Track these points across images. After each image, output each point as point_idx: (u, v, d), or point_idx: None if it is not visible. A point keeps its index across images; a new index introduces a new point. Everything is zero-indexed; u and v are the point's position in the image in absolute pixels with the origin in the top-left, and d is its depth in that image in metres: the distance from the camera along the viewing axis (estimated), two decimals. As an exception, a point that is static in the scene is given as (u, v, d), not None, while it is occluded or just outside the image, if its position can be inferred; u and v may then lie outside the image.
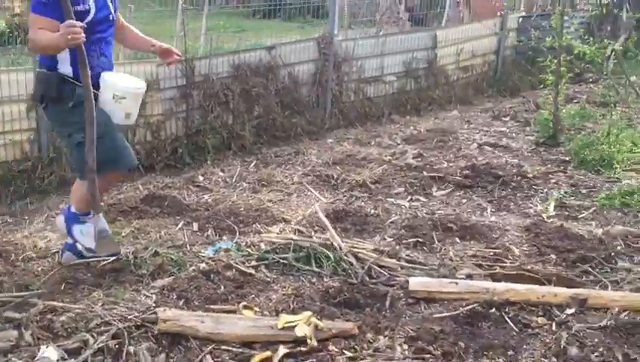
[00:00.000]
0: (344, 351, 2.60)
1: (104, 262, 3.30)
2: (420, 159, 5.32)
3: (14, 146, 4.60)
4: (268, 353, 2.56)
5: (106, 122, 3.04)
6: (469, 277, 3.28)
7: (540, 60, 5.97)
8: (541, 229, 3.85)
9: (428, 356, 2.58)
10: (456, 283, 3.10)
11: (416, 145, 5.77)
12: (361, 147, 5.74)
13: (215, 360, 2.55)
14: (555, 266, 3.43)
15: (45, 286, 3.09)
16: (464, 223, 3.96)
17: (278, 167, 5.14)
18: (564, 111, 6.04)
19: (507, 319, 2.85)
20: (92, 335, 2.61)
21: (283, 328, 2.66)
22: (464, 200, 4.46)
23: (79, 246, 3.28)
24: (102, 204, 3.45)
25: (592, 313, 2.89)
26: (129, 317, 2.75)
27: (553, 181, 4.80)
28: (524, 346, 2.68)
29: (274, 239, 3.64)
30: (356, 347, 2.63)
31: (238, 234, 3.79)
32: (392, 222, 4.00)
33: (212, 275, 3.24)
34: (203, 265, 3.39)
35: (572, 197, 4.47)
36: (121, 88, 3.03)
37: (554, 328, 2.79)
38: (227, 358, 2.56)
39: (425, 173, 4.87)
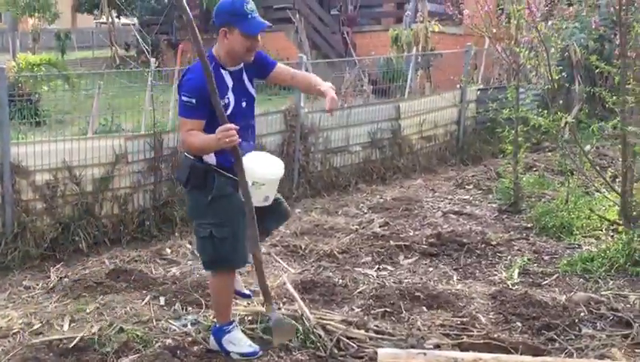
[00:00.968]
0: None
1: (66, 341, 3.22)
2: (386, 228, 5.40)
3: (-23, 221, 4.54)
4: None
5: (234, 217, 3.06)
6: (437, 347, 3.30)
7: (498, 131, 6.21)
8: (506, 297, 3.91)
9: None
10: (425, 354, 3.10)
11: (382, 213, 5.86)
12: (329, 216, 5.80)
13: None
14: (521, 334, 3.48)
15: (5, 368, 3.00)
16: (431, 292, 4.00)
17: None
18: (524, 179, 6.23)
19: (476, 389, 2.86)
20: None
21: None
22: (431, 269, 4.52)
23: (235, 356, 3.22)
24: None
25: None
26: (92, 398, 2.68)
27: (516, 248, 4.90)
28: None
29: (242, 311, 3.61)
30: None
31: (205, 307, 3.76)
32: (360, 292, 4.02)
33: (178, 351, 3.19)
34: (169, 340, 3.34)
35: (535, 264, 4.57)
36: (260, 176, 3.06)
37: (522, 397, 2.81)
38: None
39: (391, 242, 4.93)
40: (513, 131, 5.81)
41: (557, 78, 5.03)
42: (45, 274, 4.48)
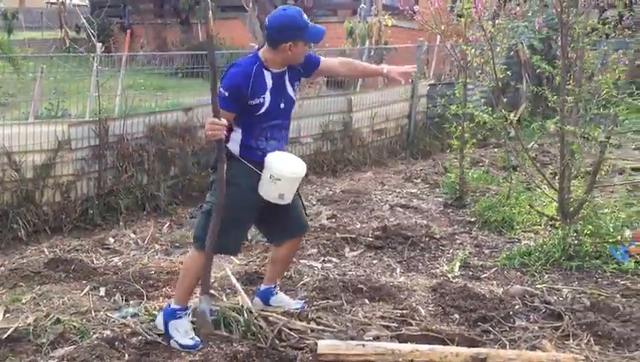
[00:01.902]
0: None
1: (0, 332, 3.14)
2: (333, 220, 5.44)
3: None
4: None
5: (239, 205, 3.16)
6: (377, 338, 3.36)
7: (446, 126, 6.33)
8: (446, 289, 4.00)
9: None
10: (363, 345, 3.15)
11: (331, 206, 5.90)
12: (277, 208, 5.80)
13: None
14: (458, 326, 3.57)
15: None
16: (374, 284, 4.06)
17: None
18: (469, 174, 6.37)
19: (411, 380, 2.93)
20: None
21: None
22: (375, 261, 4.58)
23: (173, 344, 3.22)
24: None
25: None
26: (23, 390, 2.62)
27: (459, 241, 5.02)
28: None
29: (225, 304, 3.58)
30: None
31: (146, 298, 3.72)
32: (303, 284, 4.05)
33: (116, 343, 3.15)
34: (107, 332, 3.29)
35: (476, 258, 4.69)
36: (277, 170, 3.13)
37: (455, 388, 2.89)
38: None
39: (338, 235, 4.97)
40: (460, 127, 5.93)
41: (502, 76, 5.15)
42: (-20, 262, 4.35)
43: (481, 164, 7.49)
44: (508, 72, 5.58)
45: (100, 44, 6.17)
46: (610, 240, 4.64)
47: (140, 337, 3.25)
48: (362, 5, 10.89)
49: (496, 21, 5.65)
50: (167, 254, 4.55)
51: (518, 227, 5.27)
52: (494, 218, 5.36)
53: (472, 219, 5.56)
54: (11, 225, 4.72)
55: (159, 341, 3.23)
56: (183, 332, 3.23)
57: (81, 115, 6.05)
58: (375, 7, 10.28)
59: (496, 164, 7.25)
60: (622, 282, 4.15)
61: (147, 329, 3.31)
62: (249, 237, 4.85)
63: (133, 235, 4.91)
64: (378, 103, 8.04)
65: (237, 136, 3.19)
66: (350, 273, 4.32)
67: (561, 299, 3.90)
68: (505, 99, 5.77)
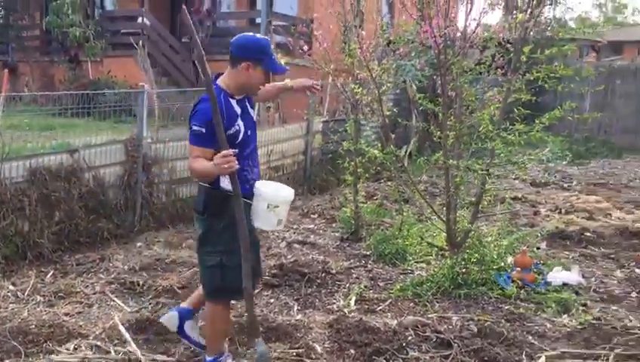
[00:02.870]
0: None
1: None
2: (230, 260, 5.35)
3: None
4: None
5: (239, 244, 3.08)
6: (274, 380, 3.31)
7: (339, 162, 6.46)
8: (342, 325, 4.02)
9: None
10: (258, 389, 3.09)
11: (227, 245, 5.80)
12: (172, 250, 5.63)
13: None
14: (354, 361, 3.59)
15: None
16: (270, 324, 4.01)
17: (79, 276, 4.84)
18: (364, 208, 6.52)
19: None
20: None
21: None
22: (272, 300, 4.54)
23: None
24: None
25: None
26: None
27: (355, 275, 5.09)
28: None
29: (65, 359, 3.37)
30: None
31: (24, 356, 3.45)
32: (200, 329, 3.92)
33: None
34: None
35: (371, 291, 4.76)
36: (273, 198, 3.16)
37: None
38: None
39: (234, 275, 4.89)
40: (353, 163, 6.07)
41: (389, 113, 5.36)
42: None
43: (375, 198, 7.69)
44: (394, 109, 5.81)
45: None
46: (495, 267, 4.89)
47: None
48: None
49: (382, 61, 5.89)
50: (50, 306, 4.26)
51: (411, 258, 5.43)
52: (388, 250, 5.50)
53: (368, 253, 5.66)
54: None
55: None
56: None
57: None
58: (269, 46, 10.40)
59: (390, 197, 7.47)
60: (506, 307, 4.37)
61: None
62: (141, 282, 4.67)
63: (12, 287, 4.57)
64: (274, 140, 8.09)
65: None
66: (247, 314, 4.23)
67: (450, 327, 4.03)
68: (395, 135, 6.01)
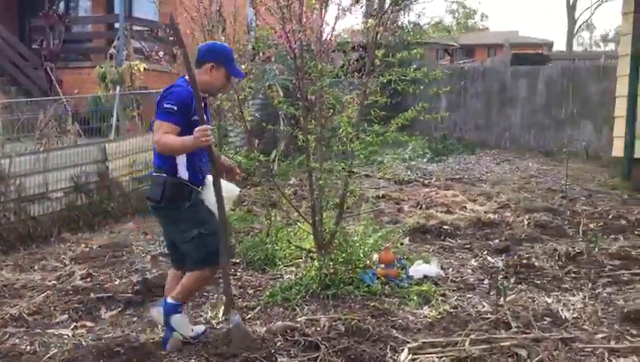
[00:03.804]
0: None
1: None
2: (89, 279, 5.03)
3: None
4: None
5: (214, 221, 3.55)
6: (134, 404, 3.13)
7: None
8: (209, 337, 3.91)
9: None
10: (117, 416, 2.90)
11: (86, 264, 5.46)
12: (22, 273, 5.19)
13: None
14: (221, 374, 3.50)
15: None
16: (132, 344, 3.79)
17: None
18: (234, 215, 6.41)
19: None
20: None
21: None
22: (135, 319, 4.32)
23: (178, 336, 3.65)
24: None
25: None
26: None
27: (223, 285, 4.97)
28: None
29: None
30: None
31: None
32: (49, 358, 3.62)
33: None
34: None
35: (240, 299, 4.68)
36: (224, 192, 3.53)
37: None
38: None
39: (92, 295, 4.60)
40: (218, 170, 5.94)
41: (250, 119, 5.31)
42: None
43: (244, 204, 7.61)
44: (257, 115, 5.78)
45: None
46: (361, 266, 5.00)
47: None
48: (112, 50, 10.48)
49: (243, 66, 5.84)
50: None
51: (280, 263, 5.41)
52: (257, 256, 5.44)
53: (237, 260, 5.57)
54: None
55: None
56: (184, 326, 3.71)
57: None
58: (126, 51, 9.98)
59: (258, 202, 7.43)
60: (372, 304, 4.48)
61: None
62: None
63: None
64: (136, 150, 7.76)
65: (181, 161, 3.51)
66: (107, 336, 4.00)
67: (319, 329, 4.06)
68: (263, 140, 5.98)
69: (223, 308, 3.76)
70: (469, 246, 6.02)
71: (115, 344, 3.78)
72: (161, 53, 5.72)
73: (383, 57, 4.72)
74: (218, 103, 5.58)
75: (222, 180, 3.66)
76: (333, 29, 4.83)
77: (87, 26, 15.20)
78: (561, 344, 3.73)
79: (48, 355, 3.66)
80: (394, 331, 4.01)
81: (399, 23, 8.47)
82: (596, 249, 5.47)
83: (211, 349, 3.76)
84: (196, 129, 3.32)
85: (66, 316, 4.28)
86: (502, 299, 4.32)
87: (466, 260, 5.59)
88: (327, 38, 4.75)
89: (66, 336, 3.97)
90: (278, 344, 3.83)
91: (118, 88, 9.39)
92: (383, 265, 4.98)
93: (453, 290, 4.79)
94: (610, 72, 11.19)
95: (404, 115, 4.80)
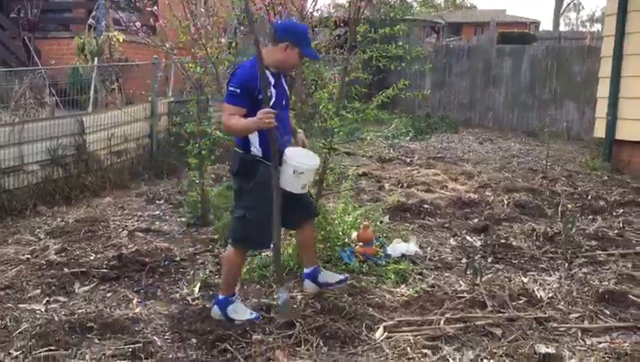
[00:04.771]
0: None
1: None
2: (63, 254, 4.95)
3: None
4: None
5: (268, 203, 3.57)
6: (105, 381, 3.10)
7: (182, 145, 6.23)
8: (184, 314, 3.89)
9: None
10: (87, 393, 2.87)
11: (61, 238, 5.38)
12: (-5, 247, 5.11)
13: None
14: (196, 350, 3.47)
15: None
16: (106, 320, 3.76)
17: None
18: (211, 191, 6.35)
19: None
20: None
21: None
22: (109, 294, 4.26)
23: (239, 323, 3.71)
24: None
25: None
26: None
27: (200, 261, 4.94)
28: None
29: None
30: None
31: None
32: (20, 333, 3.57)
33: None
34: None
35: (217, 276, 4.64)
36: (299, 165, 3.60)
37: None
38: None
39: (66, 270, 4.53)
40: (197, 145, 5.86)
41: (229, 93, 5.20)
42: None
43: (226, 180, 7.53)
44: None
45: None
46: (339, 244, 4.98)
47: None
48: (91, 20, 10.24)
49: (223, 39, 5.72)
50: None
51: (259, 240, 5.36)
52: (236, 233, 5.39)
53: (215, 237, 5.52)
54: None
55: None
56: (241, 312, 3.77)
57: None
58: (106, 22, 9.77)
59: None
60: (349, 282, 4.47)
61: None
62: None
63: None
64: (115, 123, 7.63)
65: (254, 138, 3.59)
66: (80, 311, 3.94)
67: (295, 306, 4.04)
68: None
69: (275, 284, 3.96)
70: (448, 225, 6.02)
71: (88, 319, 3.74)
72: (138, 24, 5.56)
73: (366, 33, 4.64)
74: (197, 77, 5.47)
75: (303, 151, 3.82)
76: (315, 1, 4.75)
77: (66, -5, 14.86)
78: (536, 323, 3.76)
79: (19, 330, 3.60)
80: (370, 309, 4.01)
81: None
82: (574, 229, 5.50)
83: (186, 325, 3.74)
84: (260, 111, 3.41)
85: (39, 291, 4.21)
86: (478, 278, 4.33)
87: (445, 239, 5.59)
88: (309, 12, 4.67)
89: (38, 311, 3.91)
90: (254, 321, 3.81)
91: (96, 60, 9.19)
92: (361, 243, 4.96)
93: (431, 269, 4.80)
94: (595, 53, 11.18)
95: (386, 92, 4.74)
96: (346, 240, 5.11)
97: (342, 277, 4.18)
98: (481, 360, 3.31)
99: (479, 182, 7.90)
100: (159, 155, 8.33)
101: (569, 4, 50.26)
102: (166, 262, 4.81)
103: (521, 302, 4.10)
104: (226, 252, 3.91)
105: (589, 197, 7.10)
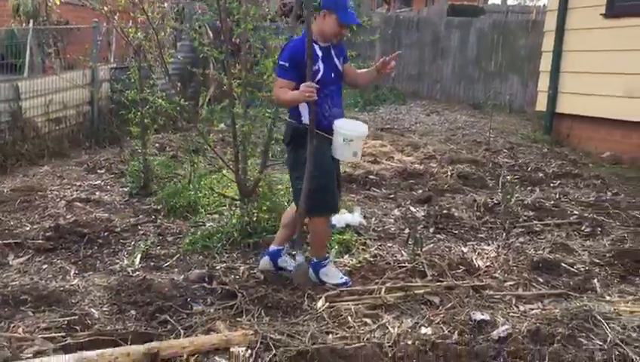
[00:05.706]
0: None
1: None
2: (-3, 225, 4.78)
3: None
4: None
5: (328, 170, 3.75)
6: (38, 354, 3.02)
7: (123, 113, 6.06)
8: (123, 286, 3.81)
9: None
10: (19, 367, 2.80)
11: (-5, 208, 5.19)
12: None
13: None
14: (135, 322, 3.42)
15: None
16: (41, 292, 3.66)
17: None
18: (154, 160, 6.22)
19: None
20: None
21: None
22: (45, 266, 4.15)
23: (330, 286, 3.84)
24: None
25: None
26: None
27: (142, 232, 4.85)
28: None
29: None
30: None
31: None
32: (-51, 307, 3.44)
33: None
34: None
35: (159, 247, 4.58)
36: (349, 133, 3.68)
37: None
38: None
39: (0, 241, 4.38)
40: (139, 113, 5.71)
41: (170, 61, 5.08)
42: None
43: (170, 149, 7.40)
44: (178, 56, 5.52)
45: None
46: (284, 214, 4.96)
47: None
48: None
49: (166, 3, 5.54)
50: None
51: (203, 211, 5.31)
52: (180, 204, 5.32)
53: (158, 207, 5.43)
54: None
55: None
56: (332, 275, 3.90)
57: None
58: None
59: (182, 148, 7.23)
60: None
61: None
62: None
63: None
64: (52, 90, 7.34)
65: (304, 109, 3.69)
66: (13, 283, 3.83)
67: (237, 277, 4.03)
68: (193, 83, 5.74)
69: (294, 246, 4.00)
70: (393, 196, 6.09)
71: (22, 291, 3.65)
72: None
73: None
74: (137, 43, 5.29)
75: (353, 121, 3.94)
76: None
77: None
78: (473, 291, 3.86)
79: (-53, 304, 3.47)
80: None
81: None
82: (513, 200, 5.65)
83: (125, 297, 3.68)
84: (302, 85, 3.54)
85: (-30, 263, 4.06)
86: (419, 248, 4.41)
87: (389, 210, 5.66)
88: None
89: (-31, 284, 3.78)
90: (195, 292, 3.79)
91: (31, 22, 8.77)
92: (306, 214, 4.96)
93: (374, 239, 4.85)
94: (539, 27, 11.38)
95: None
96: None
97: (343, 280, 3.95)
98: (419, 327, 3.39)
99: (425, 154, 8.00)
100: (101, 123, 8.09)
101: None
102: (106, 233, 4.70)
103: (460, 271, 4.20)
104: (310, 224, 3.95)
105: (529, 168, 7.30)
